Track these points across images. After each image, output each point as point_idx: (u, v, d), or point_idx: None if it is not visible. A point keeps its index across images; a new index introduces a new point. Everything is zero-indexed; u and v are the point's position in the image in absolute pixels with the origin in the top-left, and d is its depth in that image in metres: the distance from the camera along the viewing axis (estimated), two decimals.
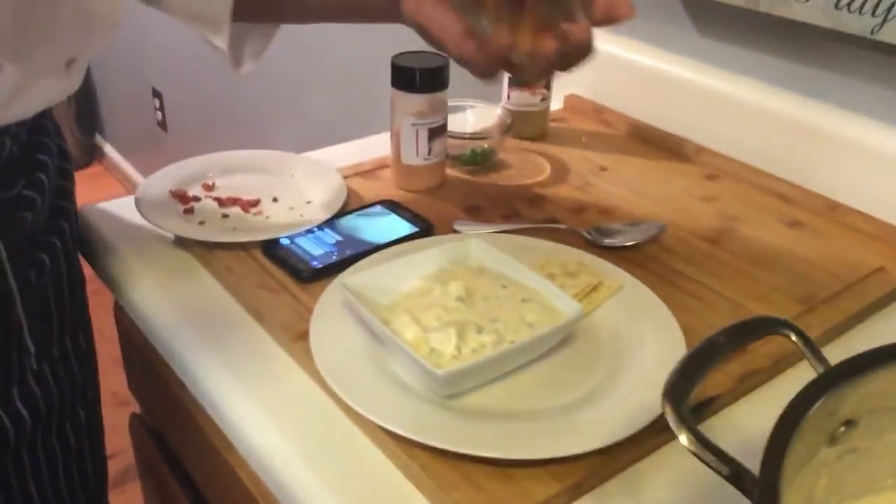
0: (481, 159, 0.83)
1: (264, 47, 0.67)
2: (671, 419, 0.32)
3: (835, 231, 0.74)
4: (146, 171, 2.65)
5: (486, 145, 0.83)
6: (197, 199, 0.75)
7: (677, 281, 0.66)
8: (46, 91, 0.58)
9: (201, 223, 0.71)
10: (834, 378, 0.32)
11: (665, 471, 0.50)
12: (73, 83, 0.60)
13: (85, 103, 2.90)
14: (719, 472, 0.30)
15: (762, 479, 0.27)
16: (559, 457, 0.47)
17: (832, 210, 0.77)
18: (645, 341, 0.57)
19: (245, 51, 0.66)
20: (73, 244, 0.68)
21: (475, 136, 0.84)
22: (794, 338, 0.38)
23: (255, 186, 0.77)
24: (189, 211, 0.73)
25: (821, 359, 0.36)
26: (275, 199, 0.75)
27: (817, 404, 0.31)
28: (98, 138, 3.01)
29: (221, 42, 0.62)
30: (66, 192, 0.67)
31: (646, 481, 0.49)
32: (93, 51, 0.60)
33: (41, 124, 0.64)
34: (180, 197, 0.74)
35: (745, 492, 0.29)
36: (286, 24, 0.67)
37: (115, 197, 0.77)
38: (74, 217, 0.69)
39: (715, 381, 0.55)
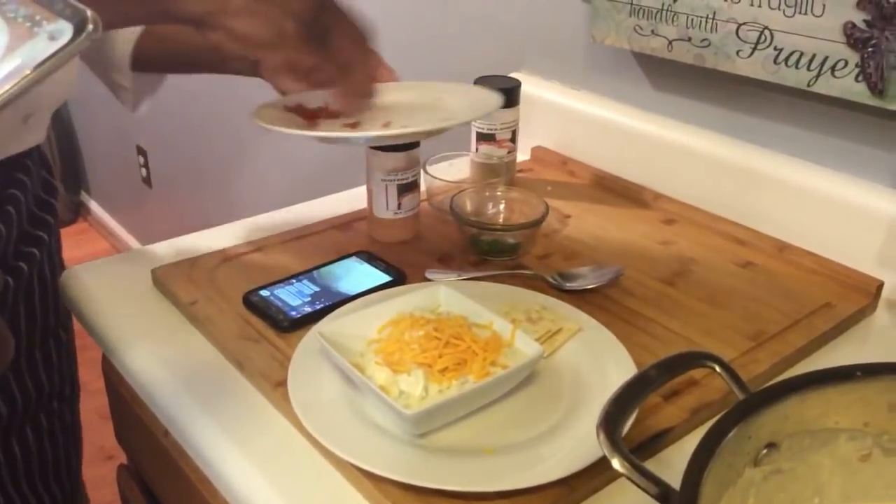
0: (508, 250, 0.78)
1: (156, 90, 0.80)
2: (605, 445, 0.36)
3: (784, 270, 0.79)
4: (131, 227, 2.67)
5: (511, 239, 0.77)
6: None
7: (634, 321, 0.70)
8: (5, 143, 0.63)
9: None
10: (750, 405, 0.36)
11: (622, 500, 0.53)
12: (38, 135, 0.65)
13: (70, 161, 2.94)
14: (647, 491, 0.34)
15: (681, 494, 0.31)
16: (523, 488, 0.51)
17: (782, 251, 0.81)
18: (603, 378, 0.60)
19: (141, 95, 0.78)
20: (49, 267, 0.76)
21: (507, 227, 0.79)
22: (718, 369, 0.42)
23: None
24: None
25: (742, 387, 0.40)
26: None
27: (735, 428, 0.34)
28: (83, 195, 3.05)
29: (126, 80, 0.73)
30: (42, 222, 0.73)
31: None
32: (52, 106, 0.65)
33: (21, 163, 0.70)
34: None
35: None
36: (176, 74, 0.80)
37: (100, 252, 0.82)
38: (55, 237, 0.77)
39: (669, 414, 0.59)
